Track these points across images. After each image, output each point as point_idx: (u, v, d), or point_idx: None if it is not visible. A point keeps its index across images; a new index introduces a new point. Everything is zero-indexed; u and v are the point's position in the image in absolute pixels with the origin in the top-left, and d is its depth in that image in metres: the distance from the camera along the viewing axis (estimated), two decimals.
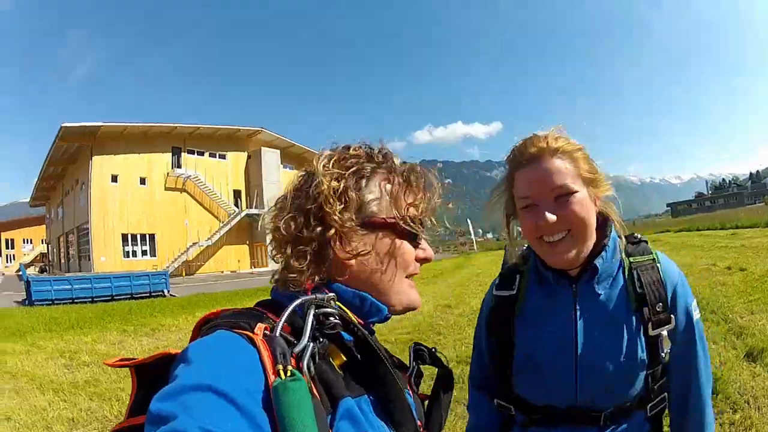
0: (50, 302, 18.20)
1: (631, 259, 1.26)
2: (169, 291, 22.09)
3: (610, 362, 1.18)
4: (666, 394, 1.27)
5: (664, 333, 1.19)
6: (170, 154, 38.47)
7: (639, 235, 1.32)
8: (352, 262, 0.88)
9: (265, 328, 0.71)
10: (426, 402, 1.03)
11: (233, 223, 40.03)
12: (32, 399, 5.78)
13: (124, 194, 35.85)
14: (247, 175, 44.04)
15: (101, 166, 34.87)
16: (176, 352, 0.69)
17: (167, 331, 10.69)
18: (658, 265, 1.25)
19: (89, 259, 35.00)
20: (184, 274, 35.36)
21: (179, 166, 38.71)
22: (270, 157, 43.32)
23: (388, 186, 0.93)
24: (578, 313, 1.23)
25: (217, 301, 15.41)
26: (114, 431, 0.66)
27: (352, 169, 0.89)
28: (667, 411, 1.30)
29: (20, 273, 27.54)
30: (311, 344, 0.69)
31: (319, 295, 0.77)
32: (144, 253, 37.32)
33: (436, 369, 1.06)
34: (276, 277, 0.90)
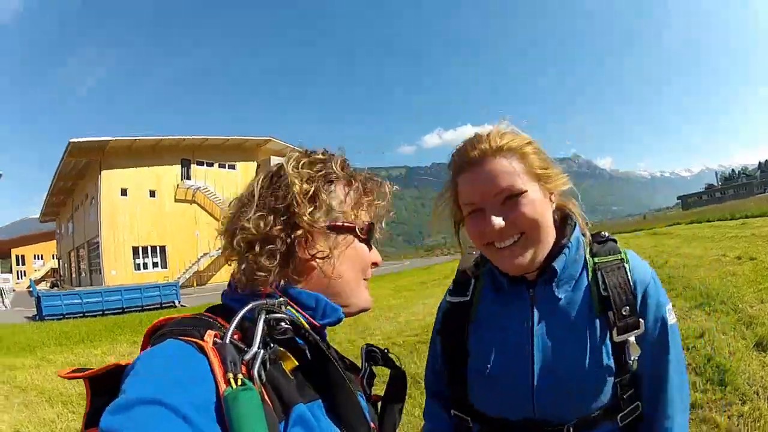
0: (61, 317, 18.32)
1: (596, 259, 1.16)
2: (179, 302, 22.19)
3: (570, 371, 1.08)
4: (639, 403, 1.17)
5: (631, 339, 1.09)
6: (179, 166, 38.66)
7: (606, 234, 1.23)
8: (315, 263, 0.90)
9: (215, 336, 0.71)
10: (379, 404, 1.05)
11: None
12: (41, 412, 5.85)
13: (134, 207, 36.04)
14: None
15: (110, 180, 35.05)
16: (126, 363, 0.69)
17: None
18: (626, 265, 1.15)
19: (100, 273, 35.16)
20: (195, 284, 35.50)
21: (189, 178, 38.90)
22: None
23: (350, 192, 0.96)
24: (536, 318, 1.14)
25: None
26: None
27: (321, 173, 0.93)
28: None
29: (31, 289, 27.78)
30: (261, 351, 0.69)
31: (269, 300, 0.78)
32: (155, 265, 37.53)
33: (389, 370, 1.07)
34: (236, 277, 0.89)
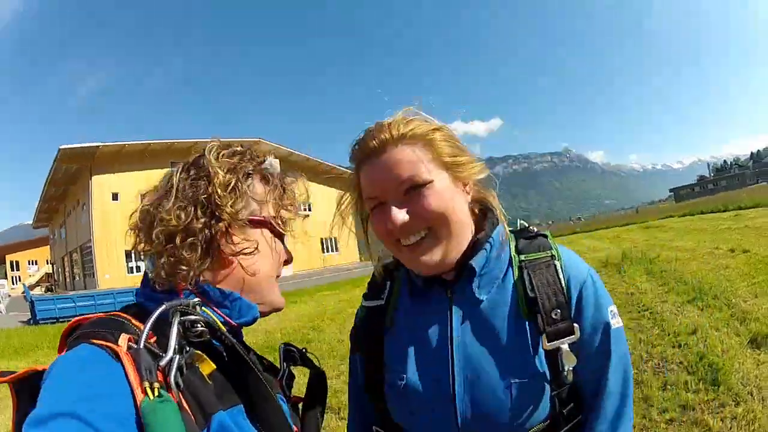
0: (54, 320, 18.40)
1: (522, 256, 1.04)
2: None
3: (495, 384, 0.96)
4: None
5: (564, 347, 0.96)
6: (170, 169, 38.24)
7: (535, 229, 1.11)
8: (235, 259, 0.87)
9: (130, 339, 0.68)
10: (300, 405, 1.02)
11: None
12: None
13: (126, 211, 34.56)
14: None
15: (101, 185, 34.93)
16: (43, 369, 0.66)
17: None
18: (557, 262, 1.02)
19: (94, 277, 35.10)
20: None
21: None
22: None
23: (268, 186, 0.95)
24: (455, 324, 1.02)
25: None
26: None
27: (241, 165, 0.90)
28: None
29: (25, 294, 27.75)
30: (177, 356, 0.67)
31: (183, 301, 0.75)
32: None
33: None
34: (153, 272, 0.83)
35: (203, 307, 0.78)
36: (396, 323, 1.10)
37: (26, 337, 13.40)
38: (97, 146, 34.05)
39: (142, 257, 0.88)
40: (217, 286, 0.86)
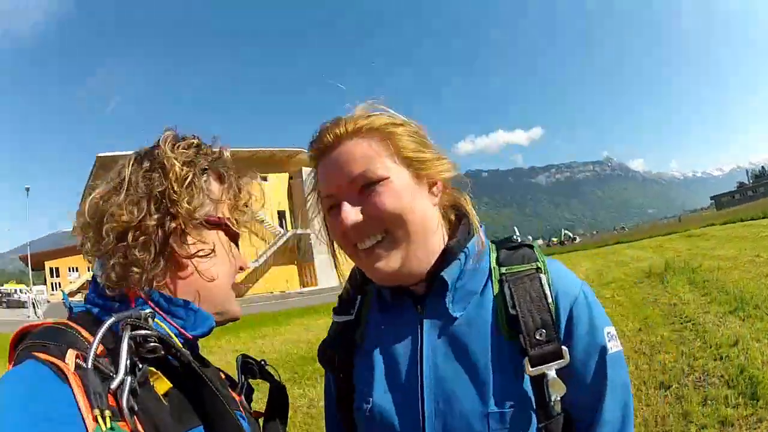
0: None
1: (503, 269, 0.92)
2: None
3: (471, 413, 0.84)
4: None
5: (551, 373, 0.82)
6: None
7: (520, 239, 0.99)
8: (190, 262, 0.79)
9: (78, 356, 0.63)
10: (261, 420, 0.96)
11: (279, 243, 40.96)
12: None
13: None
14: (290, 195, 44.80)
15: None
16: None
17: (208, 353, 10.61)
18: (543, 275, 0.89)
19: None
20: None
21: None
22: None
23: (223, 185, 0.88)
24: (425, 343, 0.91)
25: (262, 322, 15.34)
26: None
27: (197, 159, 0.83)
28: None
29: (64, 300, 28.63)
30: (128, 378, 0.61)
31: (134, 313, 0.68)
32: None
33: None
34: (102, 275, 0.76)
35: (156, 319, 0.73)
36: (365, 340, 1.00)
37: None
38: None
39: (89, 258, 0.80)
40: (171, 293, 0.79)
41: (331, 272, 0.97)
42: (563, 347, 0.84)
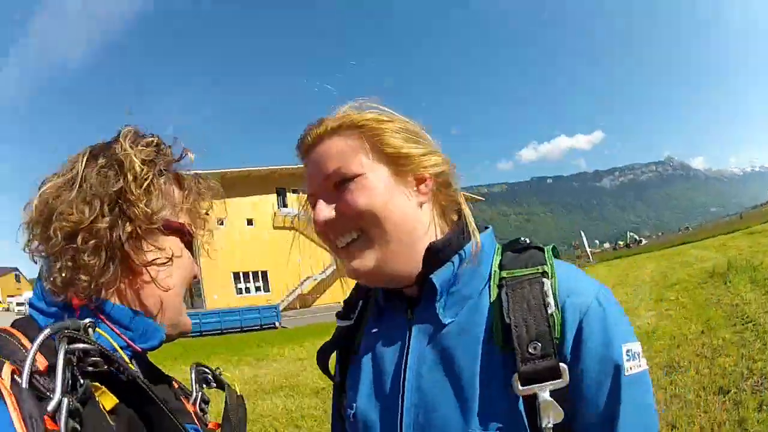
0: None
1: (504, 272, 0.82)
2: (280, 323, 23.04)
3: (450, 430, 0.76)
4: None
5: (544, 394, 0.70)
6: (275, 195, 40.72)
7: (528, 240, 0.88)
8: (145, 270, 0.74)
9: (14, 371, 0.56)
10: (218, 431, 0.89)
11: None
12: None
13: (232, 236, 38.09)
14: None
15: None
16: None
17: (272, 360, 11.18)
18: (547, 280, 0.77)
19: (200, 297, 37.32)
20: (299, 306, 36.89)
21: (285, 206, 40.72)
22: None
23: (182, 190, 0.83)
24: (411, 350, 0.84)
25: (327, 331, 15.37)
26: None
27: (157, 159, 0.78)
28: None
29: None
30: (65, 399, 0.54)
31: (71, 324, 0.62)
32: (258, 289, 39.54)
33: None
34: (48, 279, 0.71)
35: (99, 328, 0.68)
36: (361, 346, 0.97)
37: None
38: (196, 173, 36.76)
39: (35, 259, 0.74)
40: (121, 302, 0.74)
41: None
42: (561, 365, 0.72)
